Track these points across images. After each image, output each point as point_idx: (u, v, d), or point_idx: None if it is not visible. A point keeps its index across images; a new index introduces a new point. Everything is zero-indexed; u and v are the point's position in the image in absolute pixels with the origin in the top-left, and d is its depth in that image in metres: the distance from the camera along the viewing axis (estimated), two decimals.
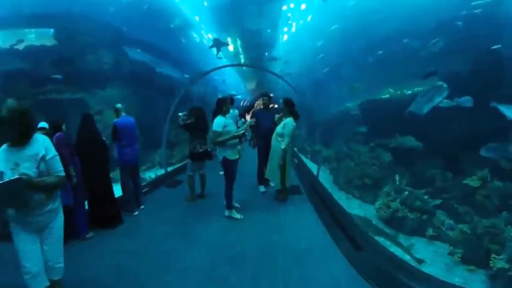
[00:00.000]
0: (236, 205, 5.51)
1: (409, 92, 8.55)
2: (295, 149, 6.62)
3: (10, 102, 2.64)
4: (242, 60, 15.83)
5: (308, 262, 3.71)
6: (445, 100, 6.93)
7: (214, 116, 5.24)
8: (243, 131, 5.17)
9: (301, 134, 11.93)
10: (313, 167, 8.73)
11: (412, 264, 3.90)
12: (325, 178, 7.97)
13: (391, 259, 3.64)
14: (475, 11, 7.42)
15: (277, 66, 14.95)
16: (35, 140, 2.78)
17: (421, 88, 7.93)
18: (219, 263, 3.72)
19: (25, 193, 2.57)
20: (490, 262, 3.78)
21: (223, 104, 5.09)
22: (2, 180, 2.43)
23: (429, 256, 4.47)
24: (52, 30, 9.99)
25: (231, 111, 6.46)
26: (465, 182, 5.56)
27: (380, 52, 10.10)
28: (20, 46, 9.40)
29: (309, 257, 3.84)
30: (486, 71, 6.51)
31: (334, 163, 8.84)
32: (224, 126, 4.94)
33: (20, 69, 8.55)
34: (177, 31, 13.72)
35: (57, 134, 4.60)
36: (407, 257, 4.30)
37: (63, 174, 2.91)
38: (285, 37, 14.93)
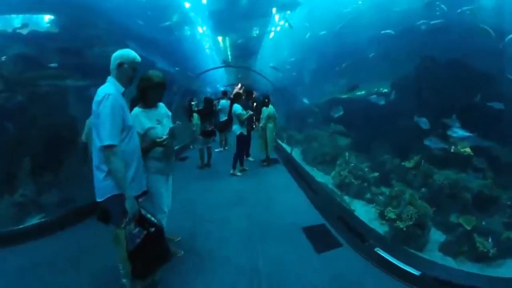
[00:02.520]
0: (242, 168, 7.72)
1: (363, 93, 9.62)
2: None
3: (158, 72, 3.25)
4: (230, 59, 16.84)
5: (283, 194, 6.04)
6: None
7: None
8: (250, 114, 7.36)
9: (279, 123, 13.42)
10: (288, 148, 10.59)
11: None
12: (296, 155, 9.52)
13: (333, 200, 5.67)
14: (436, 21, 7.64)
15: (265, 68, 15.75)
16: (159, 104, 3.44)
17: (374, 90, 9.03)
18: (226, 201, 5.67)
19: (172, 144, 3.26)
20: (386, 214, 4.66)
21: (239, 97, 7.43)
22: (155, 133, 3.11)
23: (362, 211, 5.43)
24: (57, 17, 9.40)
25: (225, 100, 9.33)
26: (403, 163, 6.50)
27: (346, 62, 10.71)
28: (24, 31, 8.68)
29: (284, 192, 6.19)
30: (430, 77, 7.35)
31: (304, 144, 10.12)
32: (242, 110, 7.12)
33: (23, 54, 7.89)
34: (175, 27, 13.52)
35: None
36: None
37: None
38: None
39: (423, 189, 5.53)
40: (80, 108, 7.33)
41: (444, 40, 7.60)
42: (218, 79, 22.22)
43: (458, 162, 5.93)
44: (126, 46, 8.37)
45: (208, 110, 8.11)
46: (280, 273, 3.28)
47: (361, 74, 9.86)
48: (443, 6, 7.86)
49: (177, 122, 4.06)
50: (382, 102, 7.88)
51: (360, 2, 10.90)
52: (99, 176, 2.71)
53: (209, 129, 7.77)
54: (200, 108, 8.49)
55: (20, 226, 5.03)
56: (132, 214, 2.65)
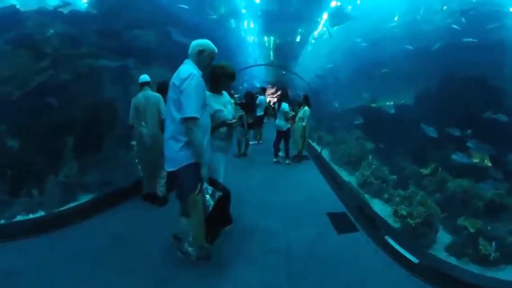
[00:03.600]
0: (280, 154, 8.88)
1: (390, 103, 10.15)
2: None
3: (230, 64, 3.65)
4: (272, 59, 17.53)
5: (312, 185, 6.97)
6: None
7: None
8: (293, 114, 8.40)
9: (310, 124, 13.87)
10: (318, 148, 11.39)
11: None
12: (325, 155, 10.27)
13: (354, 193, 6.52)
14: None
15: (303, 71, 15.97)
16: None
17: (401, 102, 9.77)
18: (262, 187, 6.65)
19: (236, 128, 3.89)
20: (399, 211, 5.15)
21: (286, 96, 8.66)
22: (223, 116, 3.51)
23: (379, 209, 5.83)
24: None
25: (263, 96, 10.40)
26: (420, 170, 6.98)
27: (384, 70, 10.93)
28: (65, 10, 8.62)
29: (312, 184, 7.16)
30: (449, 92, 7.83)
31: (333, 146, 10.83)
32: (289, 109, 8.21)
33: (64, 33, 7.77)
34: (222, 19, 13.52)
35: None
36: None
37: None
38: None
39: (437, 194, 5.91)
40: (117, 89, 7.82)
41: (466, 57, 8.10)
42: (257, 75, 22.84)
43: (475, 172, 6.28)
44: (167, 31, 9.64)
45: (250, 103, 8.91)
46: (308, 246, 4.11)
47: (389, 85, 10.40)
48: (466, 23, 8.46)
49: (241, 111, 4.72)
50: (405, 113, 8.61)
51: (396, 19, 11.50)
52: (174, 146, 2.98)
53: (250, 121, 8.63)
54: (242, 101, 9.29)
55: (71, 205, 5.21)
56: (207, 179, 3.07)
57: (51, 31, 7.74)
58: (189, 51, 3.15)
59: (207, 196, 3.18)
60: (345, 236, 4.54)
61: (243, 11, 14.08)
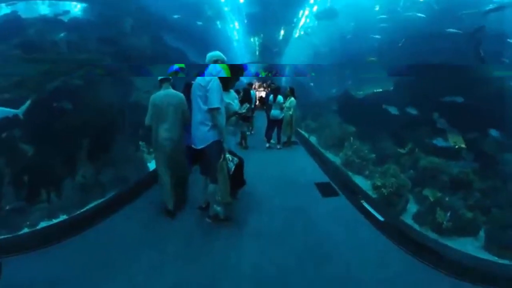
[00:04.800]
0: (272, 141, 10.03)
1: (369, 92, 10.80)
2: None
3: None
4: (257, 56, 18.38)
5: (300, 163, 8.12)
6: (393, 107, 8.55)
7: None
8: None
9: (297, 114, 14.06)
10: (305, 134, 12.38)
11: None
12: (313, 140, 11.15)
13: (336, 168, 7.46)
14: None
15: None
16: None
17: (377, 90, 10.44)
18: (260, 166, 7.54)
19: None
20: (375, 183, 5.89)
21: (279, 90, 9.74)
22: (233, 108, 4.66)
23: (361, 184, 6.34)
24: (96, 6, 9.62)
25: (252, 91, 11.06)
26: (399, 150, 7.51)
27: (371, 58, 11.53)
28: (65, 18, 8.69)
29: (300, 161, 8.48)
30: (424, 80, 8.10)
31: (318, 132, 11.58)
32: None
33: (67, 39, 7.76)
34: (209, 22, 14.03)
35: None
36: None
37: None
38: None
39: (411, 171, 6.51)
40: (119, 92, 7.95)
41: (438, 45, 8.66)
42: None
43: (450, 153, 6.67)
44: (161, 37, 10.15)
45: (247, 98, 9.48)
46: (300, 205, 5.18)
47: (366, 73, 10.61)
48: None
49: (246, 104, 5.34)
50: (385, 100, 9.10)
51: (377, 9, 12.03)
52: (204, 129, 4.03)
53: (248, 115, 9.34)
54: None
55: (94, 203, 5.28)
56: (228, 150, 4.22)
57: (56, 37, 7.79)
58: (206, 60, 4.19)
59: (230, 162, 4.23)
60: (328, 199, 5.57)
61: (226, 8, 14.63)
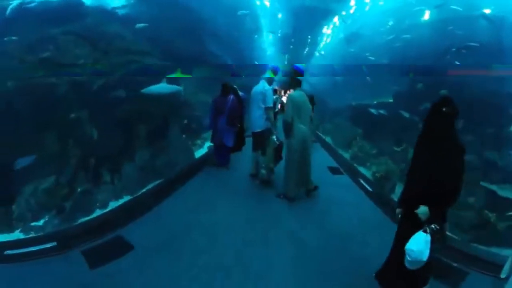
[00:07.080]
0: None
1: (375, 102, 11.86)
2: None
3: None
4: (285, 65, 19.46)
5: (317, 155, 9.19)
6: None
7: None
8: None
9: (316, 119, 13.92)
10: (322, 135, 14.38)
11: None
12: (329, 141, 12.88)
13: (344, 159, 9.73)
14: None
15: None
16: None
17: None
18: None
19: None
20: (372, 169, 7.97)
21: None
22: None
23: (363, 171, 8.21)
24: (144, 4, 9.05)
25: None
26: (395, 148, 8.66)
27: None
28: (120, 11, 8.42)
29: (318, 155, 9.91)
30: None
31: (333, 133, 13.25)
32: None
33: (119, 33, 7.59)
34: (249, 32, 14.69)
35: (231, 96, 7.07)
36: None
37: None
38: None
39: (403, 164, 7.40)
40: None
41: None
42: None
43: None
44: (204, 42, 10.58)
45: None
46: (318, 179, 6.33)
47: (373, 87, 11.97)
48: None
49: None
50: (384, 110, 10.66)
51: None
52: (262, 119, 5.90)
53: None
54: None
55: (153, 184, 5.89)
56: (276, 133, 5.86)
57: (110, 29, 7.58)
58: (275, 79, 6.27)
59: (276, 141, 5.92)
60: (336, 176, 8.12)
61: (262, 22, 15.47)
